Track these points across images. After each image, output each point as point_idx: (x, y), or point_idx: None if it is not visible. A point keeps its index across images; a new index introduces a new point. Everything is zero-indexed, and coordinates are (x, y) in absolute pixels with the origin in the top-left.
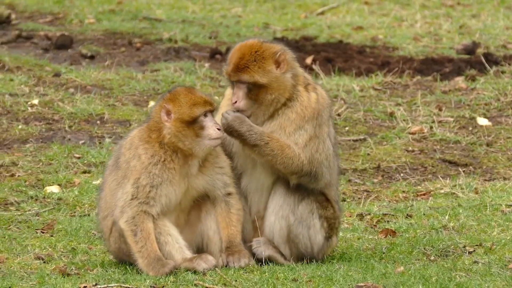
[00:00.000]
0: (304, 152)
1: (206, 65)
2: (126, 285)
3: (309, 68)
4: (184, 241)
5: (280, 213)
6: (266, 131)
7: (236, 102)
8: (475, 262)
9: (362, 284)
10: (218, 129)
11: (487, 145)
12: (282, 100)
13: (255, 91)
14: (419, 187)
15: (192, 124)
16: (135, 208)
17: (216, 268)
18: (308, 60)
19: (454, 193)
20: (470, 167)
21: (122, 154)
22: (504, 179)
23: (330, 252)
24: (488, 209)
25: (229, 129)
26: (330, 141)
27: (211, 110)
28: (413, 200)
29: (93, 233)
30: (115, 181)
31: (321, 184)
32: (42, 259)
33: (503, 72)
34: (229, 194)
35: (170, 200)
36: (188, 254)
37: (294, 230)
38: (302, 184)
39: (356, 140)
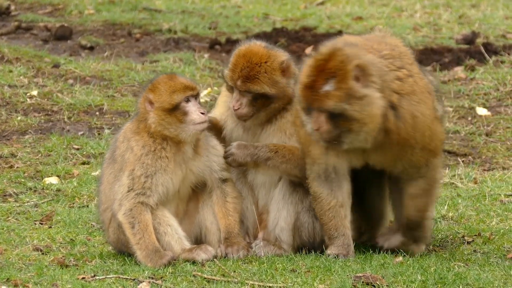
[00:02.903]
0: None
1: (206, 55)
2: (124, 277)
3: None
4: (183, 232)
5: (290, 200)
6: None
7: (238, 108)
8: (473, 252)
9: (360, 275)
10: (202, 113)
11: (486, 135)
12: (282, 105)
13: (260, 100)
14: None
15: (174, 111)
16: (132, 200)
17: (215, 259)
18: (308, 51)
19: (453, 183)
20: (469, 157)
21: (117, 147)
22: (503, 169)
23: None
24: (487, 199)
25: (239, 160)
26: None
27: (193, 95)
28: None
29: (91, 225)
30: (112, 174)
31: None
32: (41, 250)
33: (502, 62)
34: (224, 180)
35: (168, 189)
36: (187, 244)
37: (301, 217)
38: None
39: None
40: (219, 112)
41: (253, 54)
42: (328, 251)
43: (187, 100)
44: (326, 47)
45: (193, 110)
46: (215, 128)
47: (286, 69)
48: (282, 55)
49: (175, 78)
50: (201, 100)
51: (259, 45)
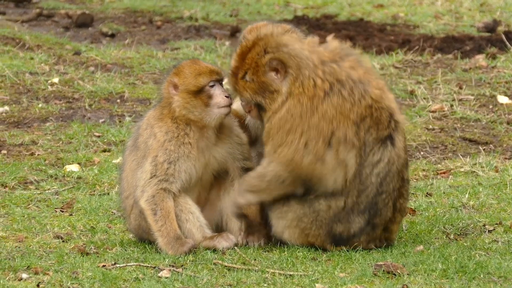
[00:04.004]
0: None
1: (227, 43)
2: (145, 264)
3: None
4: (204, 219)
5: None
6: None
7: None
8: (494, 240)
9: (381, 263)
10: (227, 96)
11: (508, 123)
12: None
13: None
14: (439, 165)
15: (199, 93)
16: (155, 186)
17: (236, 247)
18: (329, 38)
19: (474, 171)
20: (490, 145)
21: (140, 134)
22: None
23: None
24: (508, 188)
25: None
26: None
27: (218, 79)
28: (433, 178)
29: (112, 212)
30: (135, 161)
31: None
32: (61, 238)
33: None
34: (247, 169)
35: (191, 175)
36: (208, 232)
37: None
38: None
39: None
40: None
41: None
42: None
43: (212, 85)
44: (252, 33)
45: (218, 93)
46: (237, 117)
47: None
48: (287, 26)
49: (199, 62)
50: None
51: (264, 22)
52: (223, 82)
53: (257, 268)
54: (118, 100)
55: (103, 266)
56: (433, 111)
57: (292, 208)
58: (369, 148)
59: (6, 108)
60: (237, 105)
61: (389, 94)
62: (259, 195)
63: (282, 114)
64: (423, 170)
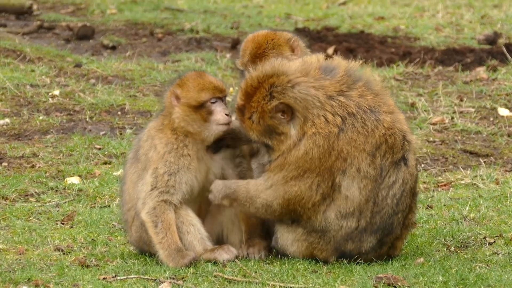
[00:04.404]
0: None
1: (228, 55)
2: (145, 277)
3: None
4: (205, 231)
5: None
6: None
7: None
8: (495, 253)
9: (382, 275)
10: (227, 114)
11: (508, 135)
12: None
13: None
14: (440, 177)
15: (200, 108)
16: (156, 198)
17: (236, 260)
18: (330, 51)
19: (474, 183)
20: (491, 157)
21: (141, 146)
22: None
23: None
24: (508, 200)
25: None
26: None
27: (220, 97)
28: (433, 190)
29: (113, 225)
30: (136, 173)
31: None
32: (62, 250)
33: None
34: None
35: (192, 187)
36: (209, 245)
37: None
38: None
39: None
40: None
41: (260, 36)
42: None
43: (214, 101)
44: (258, 72)
45: (218, 110)
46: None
47: (294, 46)
48: (289, 34)
49: (204, 76)
50: None
51: (265, 30)
52: (226, 97)
53: (257, 281)
54: (119, 113)
55: (104, 278)
56: (434, 124)
57: (302, 224)
58: (385, 171)
59: (7, 120)
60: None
61: (399, 115)
62: (235, 206)
63: (300, 154)
64: (424, 182)
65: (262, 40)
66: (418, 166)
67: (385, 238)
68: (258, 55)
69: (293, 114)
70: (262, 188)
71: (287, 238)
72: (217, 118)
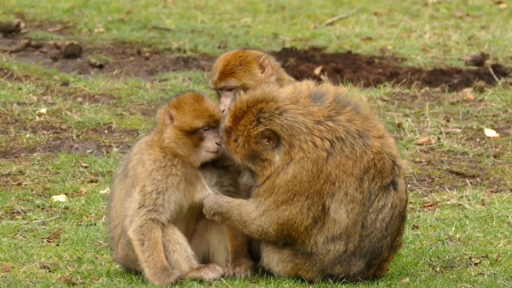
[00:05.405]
0: None
1: None
2: None
3: (317, 79)
4: (191, 250)
5: None
6: None
7: (224, 110)
8: (480, 273)
9: None
10: (217, 143)
11: (495, 156)
12: None
13: None
14: (426, 198)
15: (192, 134)
16: (143, 216)
17: (222, 279)
18: (317, 71)
19: (460, 204)
20: (477, 178)
21: (130, 160)
22: (511, 190)
23: None
24: (494, 221)
25: None
26: None
27: (214, 126)
28: (419, 211)
29: (99, 243)
30: (123, 189)
31: None
32: (48, 268)
33: (511, 84)
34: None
35: (181, 206)
36: (195, 263)
37: None
38: None
39: None
40: None
41: (229, 54)
42: None
43: (207, 129)
44: (248, 96)
45: (210, 138)
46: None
47: (264, 64)
48: (259, 52)
49: (202, 102)
50: None
51: (238, 49)
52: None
53: None
54: (106, 131)
55: None
56: (420, 144)
57: (290, 246)
58: (374, 195)
59: None
60: None
61: (389, 139)
62: (227, 224)
63: (288, 178)
64: (410, 202)
65: (231, 58)
66: None
67: (373, 261)
68: (225, 72)
69: (278, 141)
70: (255, 216)
71: (272, 258)
72: (207, 146)
